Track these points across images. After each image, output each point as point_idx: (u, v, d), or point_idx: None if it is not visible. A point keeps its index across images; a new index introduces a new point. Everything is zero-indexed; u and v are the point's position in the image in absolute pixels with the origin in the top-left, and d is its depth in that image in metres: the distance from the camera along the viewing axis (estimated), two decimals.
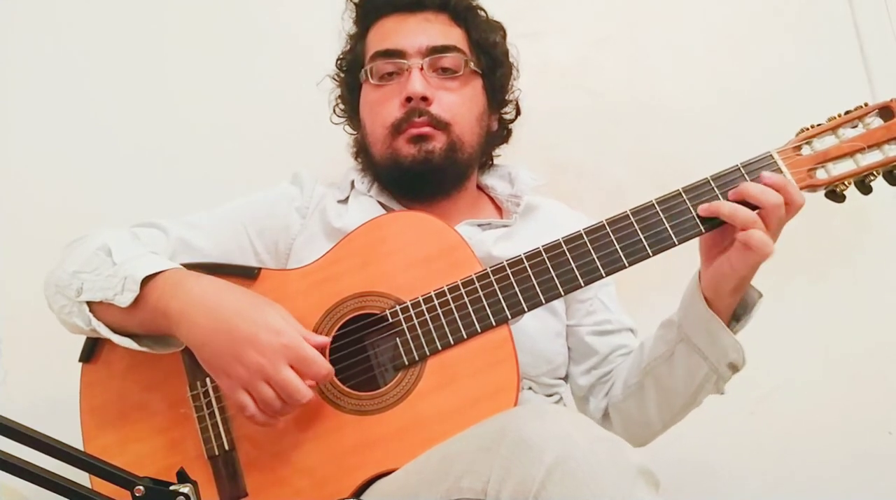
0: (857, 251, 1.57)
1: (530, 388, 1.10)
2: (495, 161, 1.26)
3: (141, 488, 0.72)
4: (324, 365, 0.90)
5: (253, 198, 1.17)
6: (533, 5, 1.59)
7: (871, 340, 1.53)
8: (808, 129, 0.98)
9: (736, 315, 1.01)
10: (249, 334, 0.88)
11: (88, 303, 0.97)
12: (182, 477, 0.75)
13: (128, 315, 0.95)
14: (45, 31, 1.54)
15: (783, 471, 1.49)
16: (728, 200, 0.94)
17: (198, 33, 1.56)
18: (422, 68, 1.10)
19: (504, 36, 1.22)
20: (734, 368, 1.01)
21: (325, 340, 0.94)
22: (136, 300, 0.94)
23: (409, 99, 1.09)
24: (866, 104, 0.98)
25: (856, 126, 0.97)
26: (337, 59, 1.23)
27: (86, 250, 1.01)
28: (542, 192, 1.25)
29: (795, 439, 1.50)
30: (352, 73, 1.20)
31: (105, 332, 0.97)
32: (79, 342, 1.04)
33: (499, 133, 1.24)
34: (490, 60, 1.17)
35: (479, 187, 1.24)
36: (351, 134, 1.25)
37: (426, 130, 1.09)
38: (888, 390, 1.52)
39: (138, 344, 0.97)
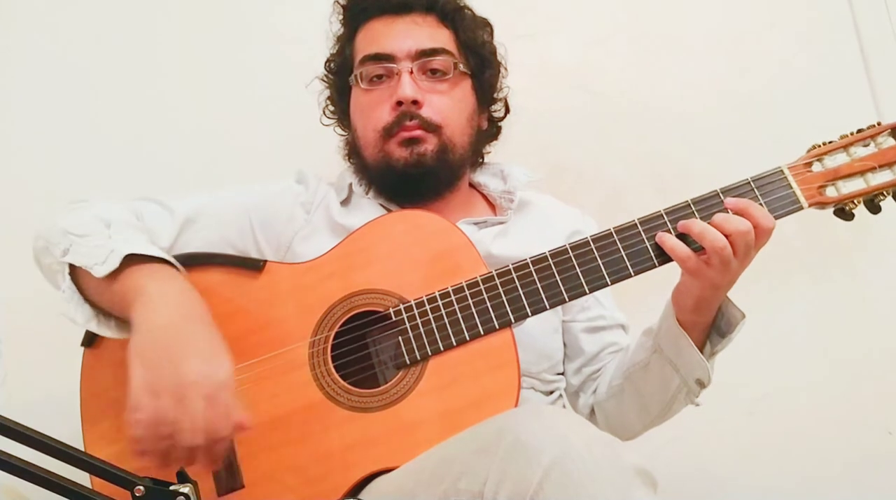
0: (858, 252, 1.57)
1: (532, 387, 1.10)
2: (486, 158, 1.26)
3: (141, 488, 0.72)
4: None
5: (259, 187, 1.17)
6: (533, 5, 1.59)
7: (871, 340, 1.53)
8: (819, 145, 0.98)
9: (722, 332, 1.02)
10: (180, 383, 0.82)
11: (71, 266, 0.98)
12: (182, 477, 0.75)
13: (99, 288, 0.96)
14: (46, 36, 1.55)
15: (782, 471, 1.49)
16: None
17: (196, 34, 1.56)
18: (411, 72, 1.10)
19: (491, 33, 1.22)
20: (701, 384, 1.03)
21: (243, 423, 0.85)
22: (115, 277, 0.93)
23: (399, 103, 1.09)
24: (879, 124, 0.98)
25: (867, 145, 0.97)
26: (326, 61, 1.23)
27: (84, 213, 1.01)
28: (541, 190, 1.25)
29: (795, 439, 1.50)
30: (341, 75, 1.19)
31: (70, 297, 0.97)
32: (78, 341, 1.05)
33: (489, 131, 1.24)
34: (478, 60, 1.17)
35: (471, 185, 1.24)
36: (341, 135, 1.25)
37: (417, 133, 1.09)
38: (888, 391, 1.52)
39: (97, 323, 0.98)
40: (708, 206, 0.95)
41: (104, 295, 0.97)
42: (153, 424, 0.81)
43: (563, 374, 1.19)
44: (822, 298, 1.55)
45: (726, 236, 0.91)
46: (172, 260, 0.99)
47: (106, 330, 0.99)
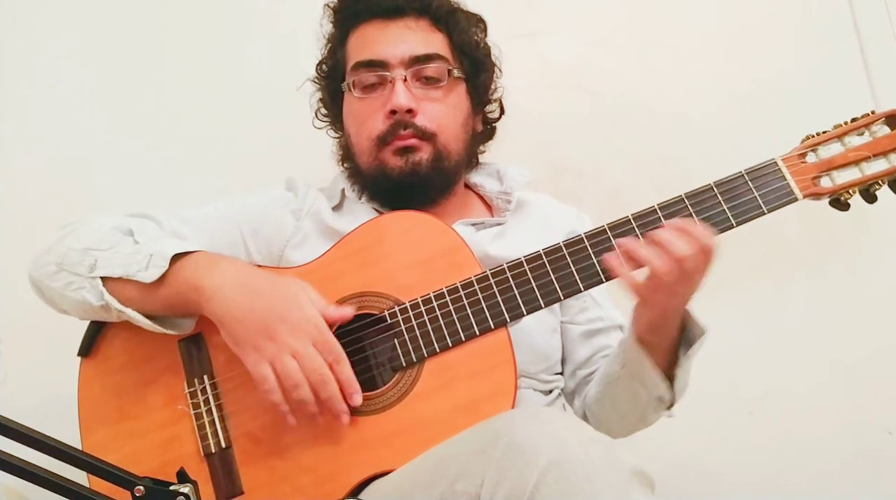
0: (857, 251, 1.56)
1: (531, 387, 1.10)
2: (482, 158, 1.25)
3: (141, 488, 0.72)
4: (337, 351, 0.93)
5: (247, 199, 1.17)
6: (533, 5, 1.59)
7: (871, 339, 1.52)
8: (813, 136, 0.97)
9: (690, 345, 1.00)
10: (283, 312, 0.92)
11: (102, 279, 0.98)
12: (182, 477, 0.75)
13: (148, 292, 0.97)
14: (46, 36, 1.55)
15: (782, 471, 1.49)
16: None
17: (195, 33, 1.56)
18: (405, 79, 1.09)
19: (485, 30, 1.20)
20: (662, 402, 1.02)
21: (346, 313, 0.96)
22: (162, 277, 0.95)
23: (393, 112, 1.08)
24: (873, 112, 0.97)
25: (862, 134, 0.96)
26: (317, 64, 1.22)
27: (96, 230, 1.02)
28: (539, 190, 1.25)
29: (795, 439, 1.50)
30: (333, 79, 1.19)
31: (116, 304, 0.98)
32: (79, 342, 1.05)
33: (483, 132, 1.23)
34: (473, 63, 1.16)
35: (467, 186, 1.23)
36: (334, 138, 1.25)
37: (412, 141, 1.08)
38: (888, 390, 1.52)
39: (150, 320, 0.98)
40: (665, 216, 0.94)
41: (147, 299, 0.98)
42: (284, 381, 0.91)
43: (561, 374, 1.18)
44: (822, 297, 1.55)
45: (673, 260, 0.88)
46: (202, 249, 1.00)
47: (153, 326, 0.99)
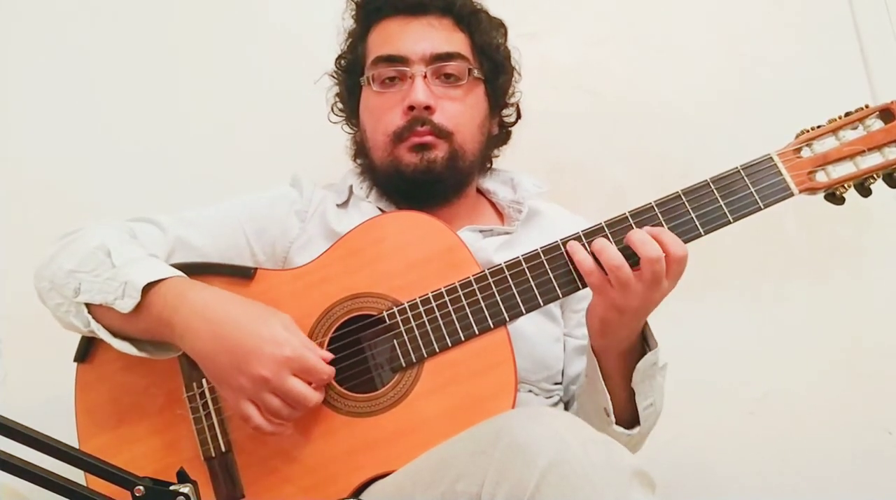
0: (857, 251, 1.56)
1: (531, 391, 1.10)
2: (495, 163, 1.25)
3: (141, 488, 0.72)
4: (326, 370, 0.92)
5: (251, 198, 1.16)
6: (533, 5, 1.59)
7: (871, 339, 1.53)
8: (808, 131, 0.97)
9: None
10: (253, 347, 0.89)
11: (87, 304, 0.97)
12: (182, 477, 0.75)
13: (128, 321, 0.95)
14: (47, 34, 1.55)
15: (783, 471, 1.49)
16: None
17: (198, 31, 1.57)
18: (425, 76, 1.09)
19: (506, 35, 1.20)
20: (607, 414, 1.00)
21: (326, 356, 0.94)
22: (138, 307, 0.93)
23: (411, 107, 1.08)
24: (867, 106, 0.97)
25: (856, 128, 0.96)
26: (337, 58, 1.21)
27: (83, 248, 0.99)
28: (542, 194, 1.25)
29: (795, 439, 1.50)
30: (352, 73, 1.18)
31: (104, 335, 0.97)
32: (78, 341, 1.05)
33: (499, 136, 1.23)
34: (493, 65, 1.16)
35: (479, 191, 1.22)
36: (348, 133, 1.24)
37: (428, 139, 1.08)
38: (888, 390, 1.52)
39: (137, 349, 0.97)
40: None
41: (129, 327, 0.96)
42: (273, 416, 0.90)
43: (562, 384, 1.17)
44: (822, 297, 1.55)
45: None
46: (179, 273, 0.98)
47: (147, 354, 0.98)
